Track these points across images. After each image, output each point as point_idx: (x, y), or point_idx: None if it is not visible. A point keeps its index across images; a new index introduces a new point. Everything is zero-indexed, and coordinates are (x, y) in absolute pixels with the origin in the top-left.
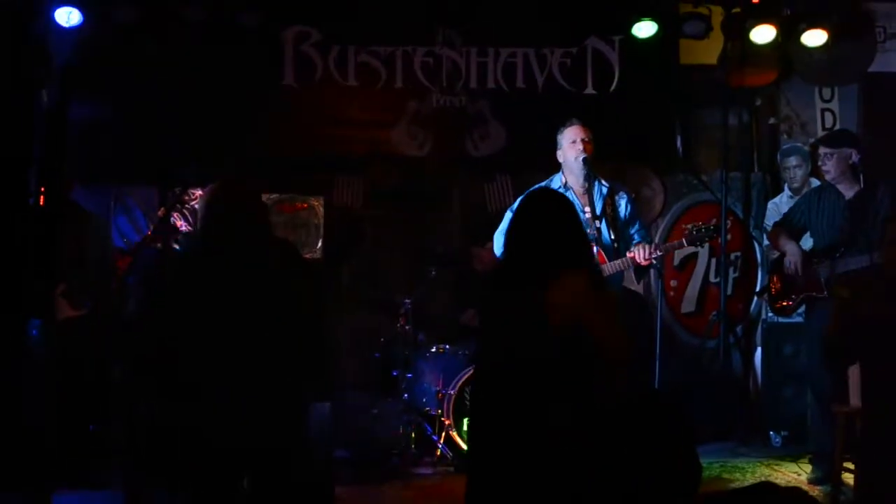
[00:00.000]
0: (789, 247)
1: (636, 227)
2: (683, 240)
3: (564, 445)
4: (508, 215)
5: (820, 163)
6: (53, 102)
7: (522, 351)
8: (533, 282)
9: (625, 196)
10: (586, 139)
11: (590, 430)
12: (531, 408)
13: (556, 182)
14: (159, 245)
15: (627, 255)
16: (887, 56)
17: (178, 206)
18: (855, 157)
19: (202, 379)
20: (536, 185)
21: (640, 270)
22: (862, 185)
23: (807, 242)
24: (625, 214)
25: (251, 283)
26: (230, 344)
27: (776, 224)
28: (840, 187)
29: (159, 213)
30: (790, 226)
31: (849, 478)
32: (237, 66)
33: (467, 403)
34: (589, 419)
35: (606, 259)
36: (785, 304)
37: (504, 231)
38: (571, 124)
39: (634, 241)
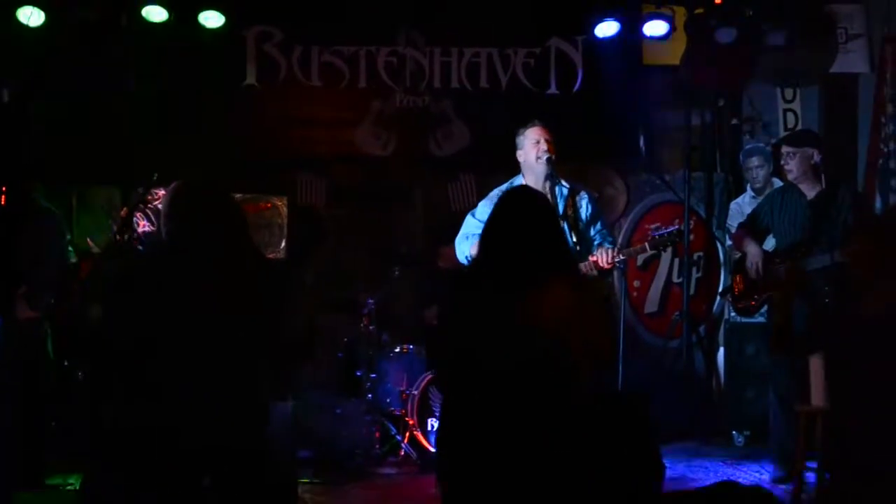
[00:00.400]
0: (751, 248)
1: (598, 227)
2: (646, 244)
3: (543, 447)
4: (469, 219)
5: (783, 162)
6: (14, 101)
7: (505, 354)
8: (518, 286)
9: (586, 196)
10: (549, 139)
11: (567, 431)
12: (512, 410)
13: (517, 184)
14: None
15: (590, 258)
16: (848, 57)
17: (140, 205)
18: (817, 157)
19: (165, 379)
20: (496, 188)
21: (604, 272)
22: (823, 185)
23: (770, 242)
24: (586, 215)
25: (214, 283)
26: (193, 344)
27: (740, 225)
28: (802, 187)
29: (122, 212)
30: (754, 226)
31: (811, 477)
32: (200, 66)
33: (431, 403)
34: (567, 421)
35: None
36: (748, 304)
37: (468, 235)
38: (533, 125)
39: (596, 242)
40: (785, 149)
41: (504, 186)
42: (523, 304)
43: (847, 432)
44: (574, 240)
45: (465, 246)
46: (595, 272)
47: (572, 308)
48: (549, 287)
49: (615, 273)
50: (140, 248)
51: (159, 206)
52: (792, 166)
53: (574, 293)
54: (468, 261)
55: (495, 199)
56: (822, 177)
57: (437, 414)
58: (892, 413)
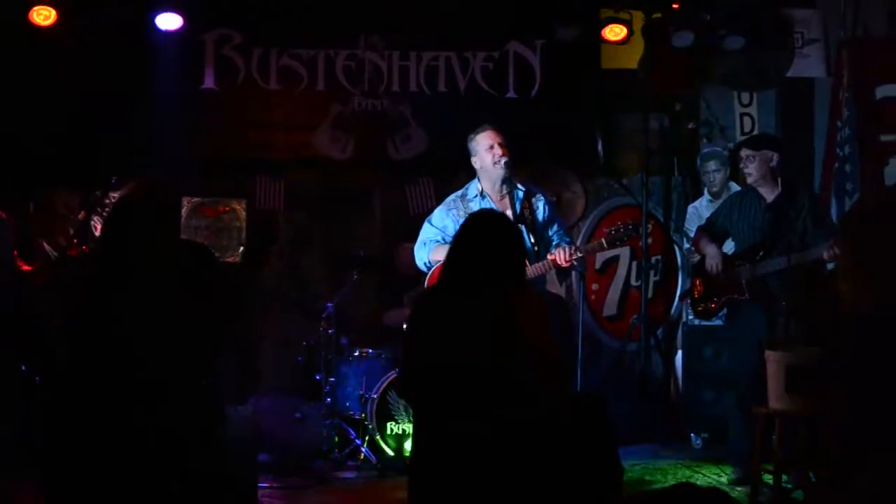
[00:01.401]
0: (709, 249)
1: (555, 228)
2: (603, 240)
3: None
4: (427, 226)
5: (742, 165)
6: None
7: (484, 356)
8: (488, 298)
9: (542, 198)
10: (502, 143)
11: (531, 433)
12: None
13: (473, 190)
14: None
15: (548, 257)
16: (805, 61)
17: (98, 209)
18: (776, 161)
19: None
20: (452, 195)
21: (562, 272)
22: (780, 189)
23: (728, 246)
24: (543, 217)
25: (157, 290)
26: (142, 351)
27: (699, 228)
28: (761, 190)
29: (79, 216)
30: (713, 229)
31: (768, 478)
32: (158, 68)
33: (390, 407)
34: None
35: (528, 262)
36: (708, 306)
37: (426, 241)
38: (483, 129)
39: (554, 243)
40: (744, 152)
41: (459, 192)
42: (496, 315)
43: (852, 432)
44: (532, 240)
45: (424, 252)
46: (552, 270)
47: (533, 318)
48: (516, 299)
49: (574, 276)
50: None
51: None
52: (751, 170)
53: (532, 305)
54: (426, 267)
55: (451, 206)
56: (780, 180)
57: (396, 418)
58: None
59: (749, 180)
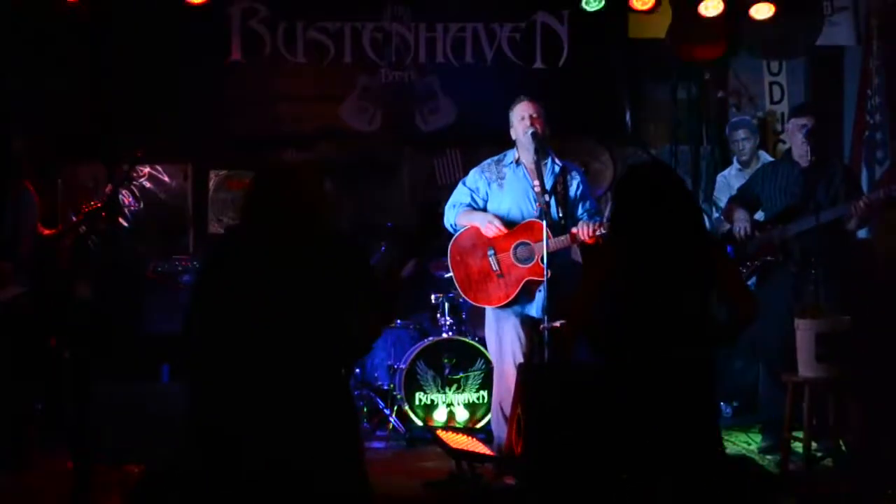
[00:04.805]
0: (738, 213)
1: (587, 205)
2: None
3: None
4: (460, 187)
5: (793, 133)
6: None
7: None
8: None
9: (577, 175)
10: (535, 115)
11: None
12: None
13: (510, 157)
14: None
15: (571, 231)
16: (834, 29)
17: (125, 182)
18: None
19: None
20: (489, 159)
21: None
22: (813, 156)
23: (759, 217)
24: (576, 193)
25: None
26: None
27: (731, 198)
28: (798, 158)
29: (107, 189)
30: (744, 198)
31: (798, 446)
32: (184, 42)
33: (419, 378)
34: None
35: (552, 235)
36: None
37: (455, 203)
38: (520, 101)
39: (584, 220)
40: (801, 121)
41: (496, 157)
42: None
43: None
44: (560, 214)
45: (452, 214)
46: (570, 245)
47: None
48: None
49: None
50: (125, 224)
51: (144, 183)
52: (800, 138)
53: None
54: (453, 229)
55: (486, 168)
56: (812, 148)
57: (425, 388)
58: None
59: (800, 151)
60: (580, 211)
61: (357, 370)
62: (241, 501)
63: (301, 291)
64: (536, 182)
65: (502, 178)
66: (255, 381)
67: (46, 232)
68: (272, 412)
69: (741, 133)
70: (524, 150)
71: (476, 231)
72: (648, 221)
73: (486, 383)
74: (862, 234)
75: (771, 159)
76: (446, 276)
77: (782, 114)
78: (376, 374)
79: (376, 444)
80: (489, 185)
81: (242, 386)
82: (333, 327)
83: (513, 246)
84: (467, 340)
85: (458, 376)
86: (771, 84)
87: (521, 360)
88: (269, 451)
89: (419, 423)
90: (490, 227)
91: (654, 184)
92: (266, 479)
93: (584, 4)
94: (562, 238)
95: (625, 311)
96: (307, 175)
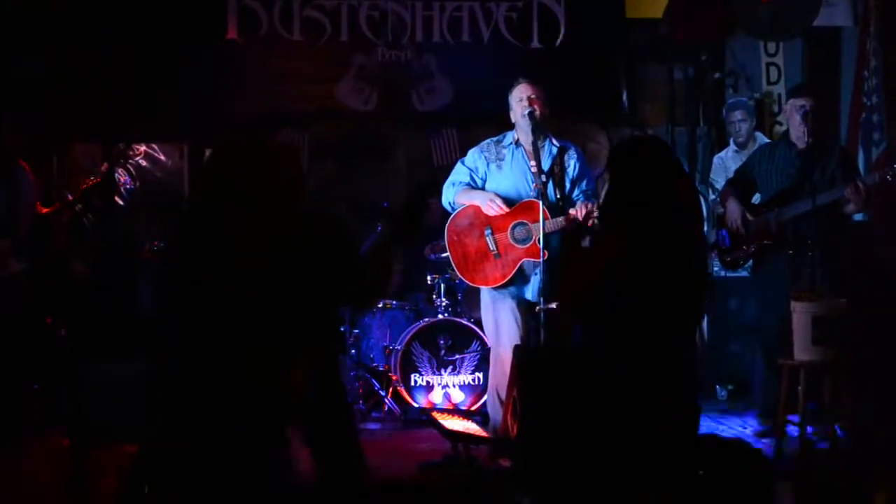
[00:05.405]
0: (730, 205)
1: (583, 186)
2: None
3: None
4: (459, 166)
5: (790, 114)
6: None
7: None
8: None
9: (575, 156)
10: (533, 97)
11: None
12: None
13: (509, 138)
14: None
15: (570, 211)
16: (832, 10)
17: (121, 161)
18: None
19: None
20: (489, 139)
21: (586, 229)
22: (811, 137)
23: (756, 199)
24: (573, 174)
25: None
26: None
27: (728, 182)
28: (796, 140)
29: (102, 168)
30: (741, 180)
31: (793, 430)
32: (180, 20)
33: (415, 359)
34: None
35: (550, 216)
36: (737, 256)
37: (454, 182)
38: (519, 83)
39: (580, 202)
40: (799, 101)
41: (496, 138)
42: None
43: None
44: (557, 196)
45: (451, 192)
46: (566, 226)
47: None
48: None
49: None
50: (121, 202)
51: (140, 162)
52: (799, 118)
53: None
54: (451, 207)
55: (485, 148)
56: (809, 129)
57: (420, 369)
58: None
59: (798, 132)
60: (576, 192)
61: (353, 351)
62: (214, 485)
63: (264, 275)
64: (533, 163)
65: (501, 159)
66: (224, 368)
67: (43, 210)
68: (239, 399)
69: (738, 114)
70: (523, 131)
71: (474, 210)
72: (649, 199)
73: (482, 365)
74: (858, 216)
75: (767, 140)
76: (442, 256)
77: (779, 95)
78: (372, 356)
79: (372, 426)
80: (488, 165)
81: (211, 372)
82: (304, 308)
83: (510, 226)
84: (463, 322)
85: (453, 358)
86: (768, 65)
87: (517, 342)
88: (232, 439)
89: (415, 404)
90: (491, 206)
91: (653, 157)
92: (227, 466)
93: None
94: (559, 219)
95: (630, 298)
96: (270, 153)
